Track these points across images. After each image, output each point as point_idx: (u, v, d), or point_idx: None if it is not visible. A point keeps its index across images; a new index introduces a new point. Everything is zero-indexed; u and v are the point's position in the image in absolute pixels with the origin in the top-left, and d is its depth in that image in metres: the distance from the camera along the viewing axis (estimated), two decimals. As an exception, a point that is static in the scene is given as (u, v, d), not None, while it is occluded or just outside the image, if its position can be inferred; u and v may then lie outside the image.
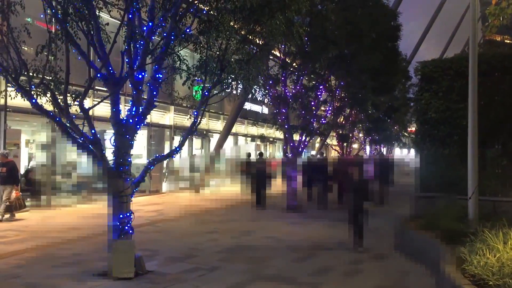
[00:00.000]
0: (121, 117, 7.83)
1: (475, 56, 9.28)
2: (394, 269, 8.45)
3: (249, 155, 20.05)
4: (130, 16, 7.52)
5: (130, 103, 8.00)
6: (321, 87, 18.24)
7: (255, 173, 17.80)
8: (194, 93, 10.31)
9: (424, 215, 9.95)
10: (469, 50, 9.83)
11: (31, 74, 7.48)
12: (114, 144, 7.80)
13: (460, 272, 5.94)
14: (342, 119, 25.69)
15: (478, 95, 9.18)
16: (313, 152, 36.76)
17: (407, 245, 9.55)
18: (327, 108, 21.74)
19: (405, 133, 44.71)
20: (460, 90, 10.97)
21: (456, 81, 11.30)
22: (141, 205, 16.66)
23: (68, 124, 7.47)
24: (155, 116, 22.28)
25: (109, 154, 7.91)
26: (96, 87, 16.36)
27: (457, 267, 6.15)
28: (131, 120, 7.80)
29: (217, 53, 8.85)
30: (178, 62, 8.75)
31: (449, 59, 12.83)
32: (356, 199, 10.03)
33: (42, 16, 7.54)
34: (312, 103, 18.02)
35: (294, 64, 17.71)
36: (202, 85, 8.90)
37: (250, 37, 9.43)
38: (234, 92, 10.84)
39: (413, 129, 35.07)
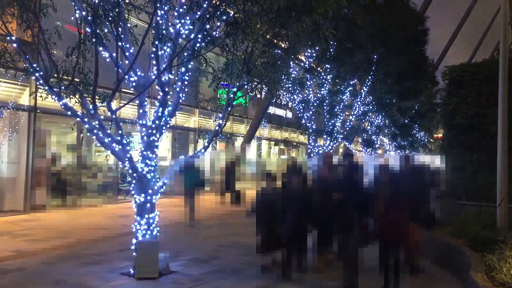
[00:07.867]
0: (147, 119, 7.94)
1: (505, 60, 9.09)
2: (422, 276, 8.29)
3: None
4: (158, 18, 7.61)
5: (157, 104, 8.09)
6: (346, 91, 18.12)
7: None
8: (219, 96, 10.35)
9: (452, 222, 9.75)
10: (499, 54, 9.65)
11: (61, 75, 7.62)
12: (140, 145, 7.91)
13: (489, 279, 5.82)
14: (367, 124, 25.47)
15: (508, 100, 8.99)
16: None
17: (435, 252, 9.37)
18: (352, 113, 21.59)
19: (431, 140, 44.05)
20: (489, 95, 10.73)
21: (485, 86, 11.07)
22: (165, 206, 16.77)
23: (96, 125, 7.60)
24: (180, 119, 22.46)
25: (135, 155, 8.00)
26: (123, 89, 16.58)
27: (486, 275, 6.03)
28: (157, 122, 7.89)
29: (243, 56, 8.87)
30: (204, 65, 8.81)
31: (478, 63, 12.61)
32: None
33: (72, 18, 7.67)
34: (337, 107, 17.91)
35: (319, 68, 17.64)
36: (227, 89, 8.93)
37: (276, 40, 9.42)
38: (259, 95, 10.84)
39: (440, 135, 34.57)
